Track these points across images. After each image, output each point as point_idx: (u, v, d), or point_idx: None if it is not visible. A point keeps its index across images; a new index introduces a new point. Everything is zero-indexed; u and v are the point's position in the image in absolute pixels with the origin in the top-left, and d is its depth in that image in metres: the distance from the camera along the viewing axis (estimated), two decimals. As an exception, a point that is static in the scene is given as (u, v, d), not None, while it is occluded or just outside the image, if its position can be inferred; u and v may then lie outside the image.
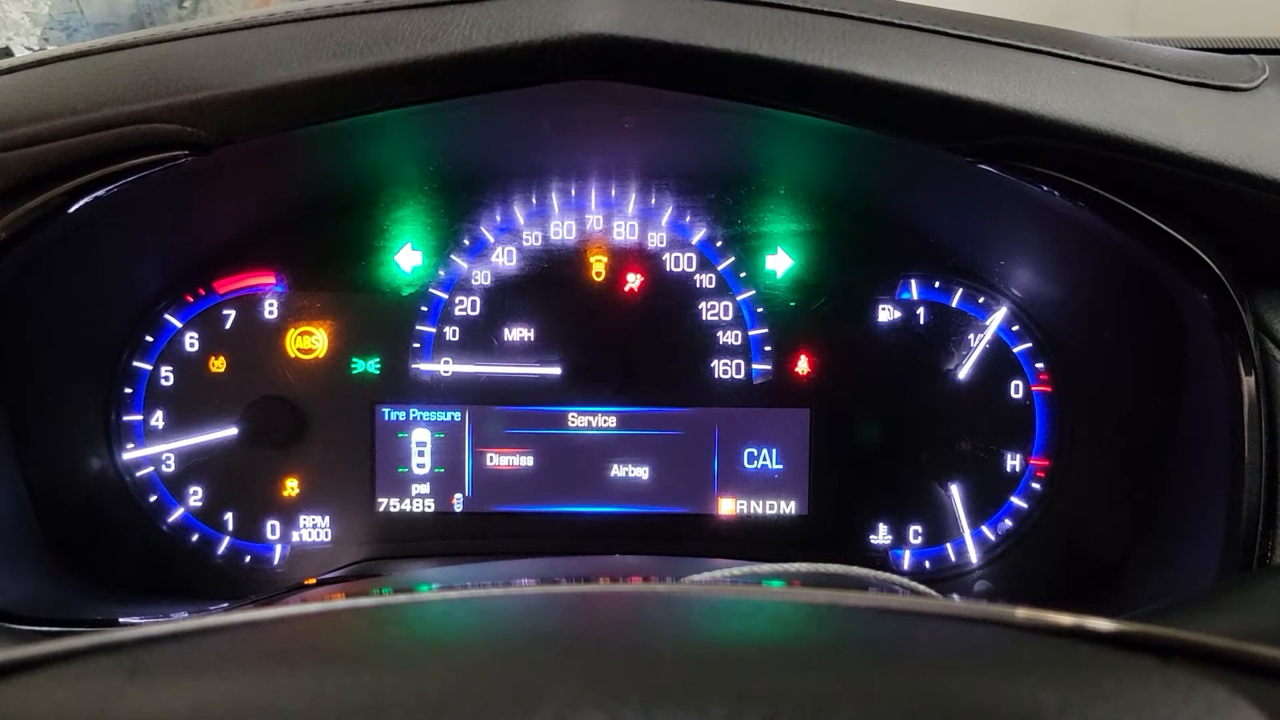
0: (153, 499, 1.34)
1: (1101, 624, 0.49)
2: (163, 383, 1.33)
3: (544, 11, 0.87)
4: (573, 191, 1.34)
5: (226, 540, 1.35)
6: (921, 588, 0.87)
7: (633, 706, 0.39)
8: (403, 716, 0.40)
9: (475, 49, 0.87)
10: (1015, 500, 1.35)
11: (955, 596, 1.30)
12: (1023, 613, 0.52)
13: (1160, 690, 0.44)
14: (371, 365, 1.35)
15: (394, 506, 1.36)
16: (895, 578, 0.91)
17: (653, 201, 1.35)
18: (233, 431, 1.33)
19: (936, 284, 1.35)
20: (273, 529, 1.35)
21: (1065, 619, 0.50)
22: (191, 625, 0.50)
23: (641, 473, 1.36)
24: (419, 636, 0.50)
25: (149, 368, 1.33)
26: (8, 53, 1.53)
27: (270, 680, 0.45)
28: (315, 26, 0.91)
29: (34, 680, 0.46)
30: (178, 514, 1.34)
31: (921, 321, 1.36)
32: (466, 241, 1.34)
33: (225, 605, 1.20)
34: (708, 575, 0.75)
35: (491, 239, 1.34)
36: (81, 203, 0.99)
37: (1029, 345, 1.35)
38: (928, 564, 1.37)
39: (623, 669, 0.43)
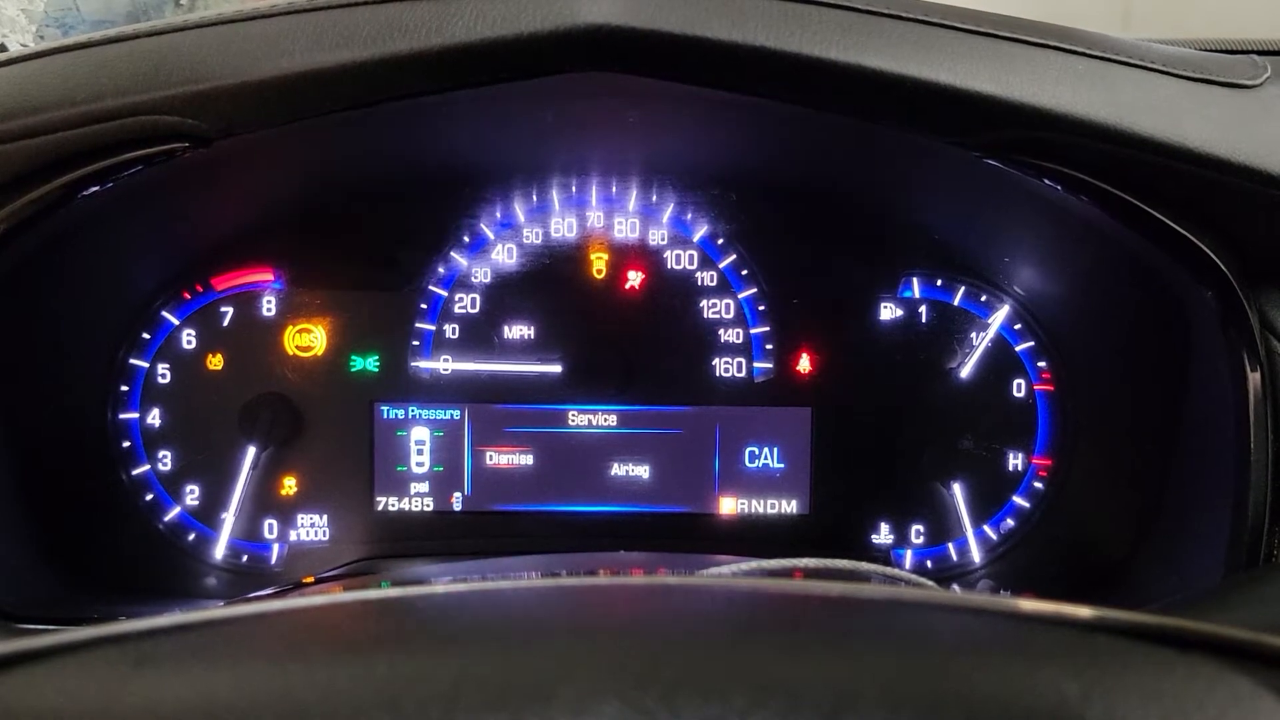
0: (149, 497, 1.33)
1: (1121, 615, 0.49)
2: (160, 380, 1.32)
3: (549, 2, 0.87)
4: (574, 188, 1.34)
5: (223, 539, 1.33)
6: (928, 582, 0.86)
7: (653, 696, 0.39)
8: (417, 706, 0.39)
9: (480, 40, 0.86)
10: (1017, 499, 1.35)
11: (955, 587, 1.30)
12: (1032, 605, 0.51)
13: (1184, 681, 0.43)
14: (370, 363, 1.34)
15: (392, 505, 1.35)
16: (900, 572, 0.90)
17: (654, 198, 1.34)
18: (230, 429, 1.32)
19: (939, 282, 1.35)
20: (270, 528, 1.34)
21: (1084, 610, 0.50)
22: (198, 617, 0.49)
23: (642, 471, 1.35)
24: (433, 627, 0.49)
25: (146, 365, 1.32)
26: (2, 49, 1.53)
27: (281, 670, 0.44)
28: (319, 17, 0.90)
29: (39, 671, 0.45)
30: (174, 512, 1.33)
31: (924, 320, 1.35)
32: (466, 238, 1.34)
33: (222, 604, 1.19)
34: (715, 570, 0.75)
35: (492, 236, 1.34)
36: (80, 196, 0.98)
37: (1031, 344, 1.35)
38: (930, 563, 1.36)
39: (642, 658, 0.42)
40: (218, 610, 0.50)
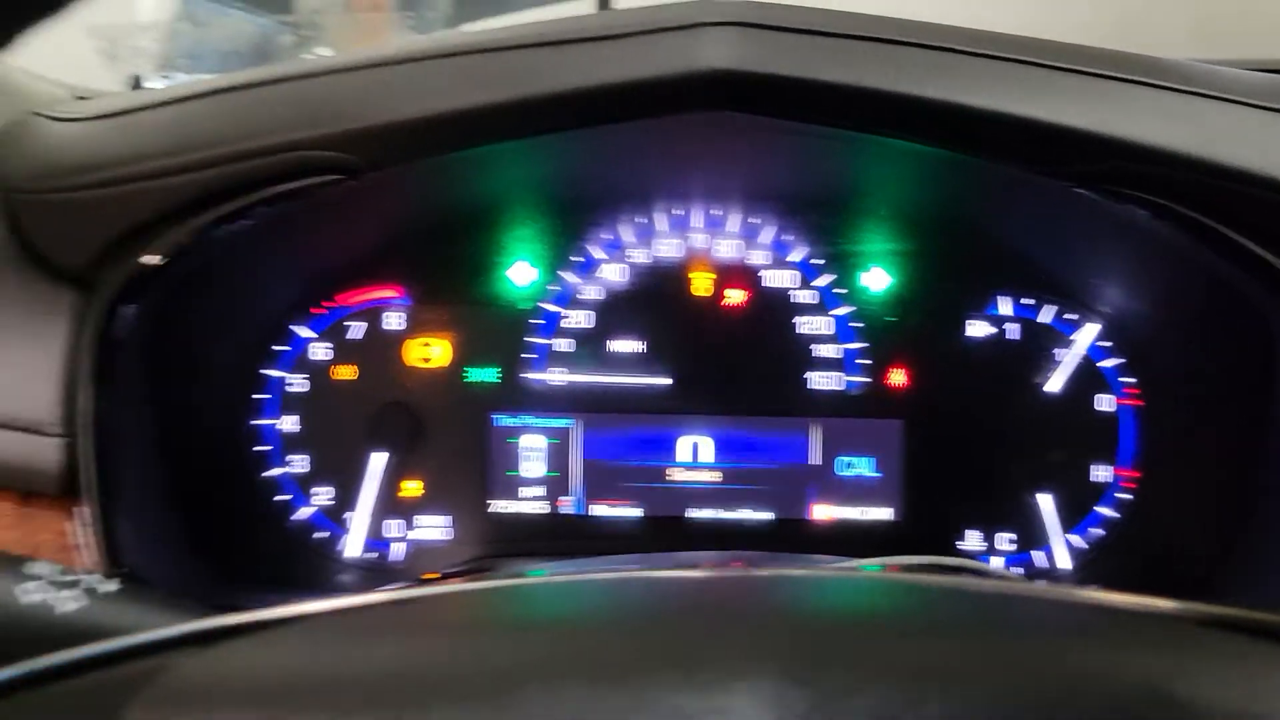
0: (283, 498, 1.43)
1: (1202, 607, 0.53)
2: (295, 390, 1.42)
3: (674, 48, 0.94)
4: (679, 212, 1.41)
5: (357, 537, 1.42)
6: (1022, 578, 0.91)
7: (817, 685, 0.42)
8: (601, 670, 0.46)
9: (612, 83, 0.95)
10: (1103, 510, 1.39)
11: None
12: (1119, 596, 0.56)
13: (1264, 663, 0.48)
14: (487, 375, 1.42)
15: (505, 508, 1.44)
16: (993, 568, 0.94)
17: (755, 222, 1.41)
18: (358, 436, 1.41)
19: (1027, 301, 1.40)
20: (393, 527, 1.44)
21: (1167, 603, 0.54)
22: (404, 594, 0.57)
23: (744, 479, 1.42)
24: (596, 607, 0.56)
25: (283, 376, 1.42)
26: (138, 82, 1.63)
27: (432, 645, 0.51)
28: (461, 62, 0.99)
29: (265, 640, 0.52)
30: (306, 512, 1.43)
31: (1012, 337, 1.40)
32: (579, 259, 1.42)
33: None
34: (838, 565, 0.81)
35: (602, 257, 1.42)
36: (239, 222, 1.08)
37: (1117, 361, 1.39)
38: (1018, 570, 1.41)
39: (801, 645, 0.46)
40: (418, 589, 0.58)
